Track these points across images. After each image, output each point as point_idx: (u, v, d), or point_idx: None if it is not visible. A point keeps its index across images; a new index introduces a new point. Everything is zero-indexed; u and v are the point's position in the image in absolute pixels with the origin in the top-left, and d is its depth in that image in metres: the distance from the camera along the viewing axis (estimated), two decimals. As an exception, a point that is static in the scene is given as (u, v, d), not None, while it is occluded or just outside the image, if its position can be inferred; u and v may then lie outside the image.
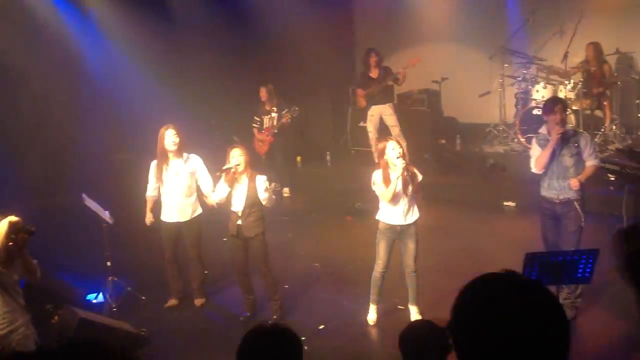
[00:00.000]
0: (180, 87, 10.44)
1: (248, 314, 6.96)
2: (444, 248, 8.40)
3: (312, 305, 7.21)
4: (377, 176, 6.33)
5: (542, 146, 6.36)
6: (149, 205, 7.36)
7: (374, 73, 11.03)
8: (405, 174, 6.24)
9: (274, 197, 6.84)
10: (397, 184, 6.24)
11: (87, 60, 10.59)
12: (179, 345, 6.59)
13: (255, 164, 7.14)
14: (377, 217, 6.51)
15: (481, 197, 10.00)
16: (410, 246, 6.46)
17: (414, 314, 6.55)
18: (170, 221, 7.21)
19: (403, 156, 6.23)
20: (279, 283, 7.10)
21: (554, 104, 6.39)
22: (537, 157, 6.43)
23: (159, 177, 7.14)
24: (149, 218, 7.36)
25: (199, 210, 7.26)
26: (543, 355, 1.60)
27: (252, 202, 6.61)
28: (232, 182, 6.58)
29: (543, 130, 6.47)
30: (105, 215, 7.22)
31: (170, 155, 7.05)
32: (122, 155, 10.42)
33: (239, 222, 6.67)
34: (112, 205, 7.42)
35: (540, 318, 1.62)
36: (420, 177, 6.40)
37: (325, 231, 9.23)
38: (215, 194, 6.69)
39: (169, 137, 6.97)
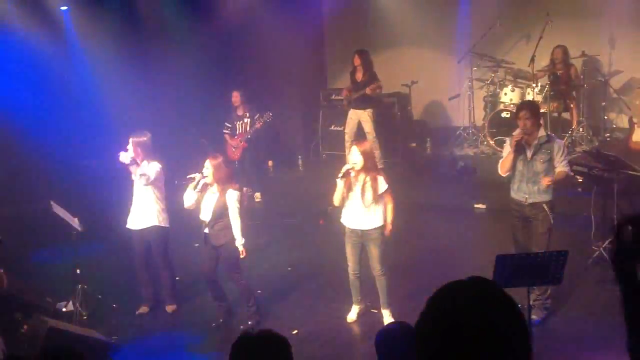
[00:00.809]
0: (149, 92, 10.35)
1: (220, 320, 6.93)
2: (415, 250, 8.45)
3: (285, 310, 7.20)
4: (339, 180, 6.32)
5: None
6: None
7: (358, 76, 11.02)
8: (365, 180, 6.22)
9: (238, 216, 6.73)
10: (344, 188, 6.22)
11: (55, 66, 10.45)
12: (150, 353, 6.53)
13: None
14: (341, 220, 6.55)
15: (452, 199, 10.06)
16: (374, 251, 6.45)
17: (387, 317, 6.57)
18: (134, 228, 7.19)
19: (365, 164, 6.19)
20: (252, 289, 7.07)
21: (519, 110, 6.47)
22: (501, 161, 6.54)
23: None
24: None
25: (162, 217, 7.18)
26: None
27: (220, 213, 6.61)
28: (201, 191, 6.58)
29: (515, 132, 6.51)
30: (75, 222, 7.14)
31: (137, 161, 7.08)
32: (92, 162, 10.29)
33: (206, 230, 6.67)
34: (81, 213, 7.34)
35: (501, 328, 1.63)
36: (383, 186, 6.33)
37: (298, 235, 9.20)
38: (185, 200, 6.69)
39: (129, 147, 7.05)
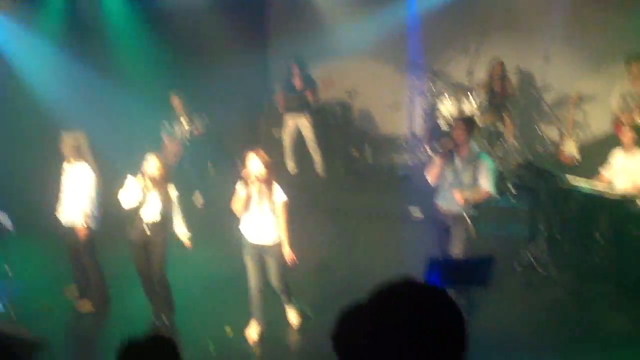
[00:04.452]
0: (88, 91, 10.16)
1: (157, 322, 6.89)
2: (350, 257, 8.55)
3: (220, 311, 7.19)
4: (238, 186, 6.19)
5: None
6: None
7: (297, 83, 11.12)
8: (262, 190, 6.11)
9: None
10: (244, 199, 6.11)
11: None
12: (80, 352, 6.44)
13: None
14: (241, 230, 6.36)
15: (390, 206, 10.22)
16: (273, 265, 6.30)
17: (292, 316, 6.71)
18: (64, 223, 7.12)
19: (266, 173, 6.06)
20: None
21: (456, 121, 6.81)
22: (429, 168, 6.75)
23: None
24: None
25: (89, 218, 7.07)
26: (441, 356, 1.65)
27: (165, 211, 6.62)
28: (149, 189, 6.52)
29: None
30: (7, 221, 6.99)
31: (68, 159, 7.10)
32: (26, 160, 10.04)
33: (147, 229, 6.64)
34: (12, 211, 7.20)
35: (440, 322, 1.66)
36: (281, 197, 6.19)
37: (234, 238, 9.18)
38: (127, 199, 6.56)
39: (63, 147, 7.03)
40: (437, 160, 6.62)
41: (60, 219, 7.14)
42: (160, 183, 6.56)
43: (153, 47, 11.00)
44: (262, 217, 6.17)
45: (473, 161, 6.49)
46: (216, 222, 8.77)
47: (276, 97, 11.72)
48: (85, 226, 6.99)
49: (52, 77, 9.90)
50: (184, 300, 7.20)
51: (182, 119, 10.58)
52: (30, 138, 9.90)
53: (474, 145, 6.59)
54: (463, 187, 6.46)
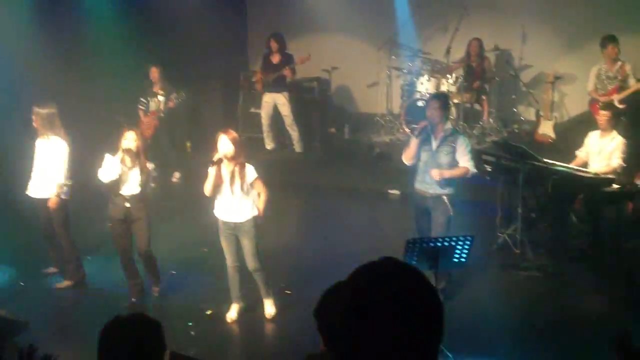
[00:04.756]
0: (62, 65, 10.00)
1: (134, 299, 6.89)
2: (327, 235, 8.59)
3: (199, 290, 7.22)
4: (210, 169, 6.15)
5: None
6: None
7: (275, 58, 11.06)
8: (234, 170, 6.10)
9: (153, 185, 6.87)
10: (215, 178, 6.12)
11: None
12: (59, 332, 6.43)
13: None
14: (214, 211, 6.37)
15: (367, 185, 10.28)
16: (247, 244, 6.30)
17: (269, 307, 6.61)
18: (35, 196, 7.13)
19: (235, 153, 6.03)
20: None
21: (430, 99, 6.73)
22: (406, 149, 6.74)
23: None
24: None
25: (62, 189, 7.07)
26: (419, 338, 1.67)
27: (144, 187, 6.64)
28: (128, 165, 6.51)
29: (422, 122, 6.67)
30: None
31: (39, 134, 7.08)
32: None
33: (127, 204, 6.63)
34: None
35: (417, 303, 1.68)
36: (252, 175, 6.19)
37: (209, 213, 9.20)
38: (106, 174, 6.50)
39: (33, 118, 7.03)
40: (412, 142, 6.61)
41: (31, 194, 7.12)
42: (138, 156, 6.57)
43: (130, 20, 10.83)
44: (234, 196, 6.16)
45: (448, 140, 6.50)
46: (196, 202, 8.74)
47: (254, 73, 11.67)
48: (59, 197, 6.98)
49: (25, 49, 9.71)
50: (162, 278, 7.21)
51: (159, 91, 10.49)
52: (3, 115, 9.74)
53: (448, 124, 6.59)
54: (440, 167, 6.48)
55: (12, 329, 5.91)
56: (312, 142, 11.71)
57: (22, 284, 7.17)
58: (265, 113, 11.30)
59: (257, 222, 6.32)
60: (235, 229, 6.30)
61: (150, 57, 10.61)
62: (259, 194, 6.31)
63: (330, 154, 11.55)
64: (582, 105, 10.42)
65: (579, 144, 8.05)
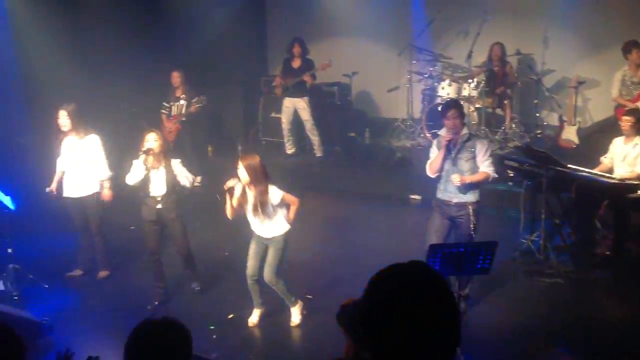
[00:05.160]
0: (87, 70, 10.10)
1: (156, 303, 6.93)
2: (348, 240, 8.59)
3: (221, 294, 7.24)
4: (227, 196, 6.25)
5: (440, 149, 6.45)
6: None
7: (295, 63, 11.07)
8: (255, 195, 6.11)
9: (191, 177, 7.02)
10: (232, 202, 6.20)
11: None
12: (82, 334, 6.46)
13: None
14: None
15: (388, 190, 10.25)
16: (271, 254, 6.31)
17: (295, 315, 6.57)
18: (73, 196, 7.40)
19: (251, 179, 6.04)
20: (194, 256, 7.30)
21: (447, 109, 6.41)
22: (430, 162, 6.56)
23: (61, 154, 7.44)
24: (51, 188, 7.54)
25: (95, 188, 7.43)
26: (437, 345, 1.71)
27: (172, 186, 6.77)
28: (151, 165, 6.64)
29: (442, 132, 6.56)
30: (6, 200, 6.99)
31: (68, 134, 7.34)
32: (25, 139, 10.02)
33: (159, 206, 6.78)
34: (14, 191, 7.20)
35: (439, 310, 1.73)
36: (277, 196, 6.14)
37: (235, 221, 9.21)
38: (131, 177, 6.67)
39: (60, 119, 7.26)
40: (437, 155, 6.45)
41: (69, 194, 7.38)
42: (162, 157, 6.71)
43: (152, 25, 10.92)
44: (260, 217, 6.19)
45: (467, 145, 6.39)
46: (217, 207, 8.77)
47: (273, 78, 11.69)
48: (97, 192, 7.37)
49: (49, 53, 9.82)
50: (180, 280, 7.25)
51: (181, 95, 10.55)
52: (25, 116, 9.87)
53: (465, 129, 6.47)
54: (462, 174, 6.36)
55: (36, 331, 5.96)
56: (332, 146, 11.71)
57: (45, 286, 7.21)
58: (285, 118, 11.31)
59: (286, 239, 6.33)
60: (266, 241, 6.36)
61: (172, 61, 10.68)
62: (289, 208, 6.32)
63: (351, 158, 11.54)
64: (606, 111, 10.31)
65: (602, 149, 7.97)
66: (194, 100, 10.43)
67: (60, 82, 9.31)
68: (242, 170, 6.07)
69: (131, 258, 8.06)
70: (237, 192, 6.19)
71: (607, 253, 7.53)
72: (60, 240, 8.08)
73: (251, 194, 6.14)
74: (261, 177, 6.09)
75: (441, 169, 6.48)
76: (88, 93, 9.32)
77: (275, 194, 6.14)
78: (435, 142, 6.68)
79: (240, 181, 6.11)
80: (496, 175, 6.55)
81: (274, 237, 6.28)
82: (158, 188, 6.76)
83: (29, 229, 7.97)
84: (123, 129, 10.11)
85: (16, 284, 7.07)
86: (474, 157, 6.38)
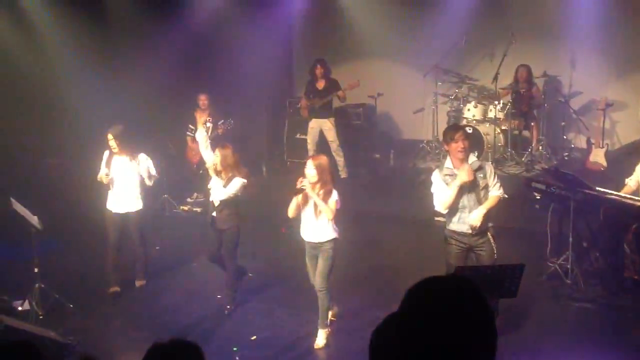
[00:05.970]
0: (116, 92, 10.27)
1: (230, 306, 7.15)
2: (374, 261, 8.53)
3: (244, 315, 7.22)
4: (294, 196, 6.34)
5: (448, 181, 6.10)
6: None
7: (319, 84, 11.14)
8: (318, 194, 6.17)
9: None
10: (299, 201, 6.27)
11: (19, 62, 10.32)
12: (106, 356, 6.47)
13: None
14: (300, 233, 6.51)
15: (413, 212, 10.18)
16: (321, 263, 6.36)
17: (321, 338, 6.48)
18: (116, 211, 7.59)
19: (320, 178, 6.14)
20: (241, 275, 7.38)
21: (454, 131, 6.08)
22: (443, 196, 6.12)
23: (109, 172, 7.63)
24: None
25: (142, 200, 7.71)
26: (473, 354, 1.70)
27: (228, 199, 6.97)
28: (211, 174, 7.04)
29: (447, 163, 6.20)
30: (34, 220, 7.06)
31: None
32: (54, 160, 10.17)
33: (214, 213, 7.01)
34: (41, 211, 7.28)
35: (481, 326, 1.73)
36: (332, 201, 6.19)
37: (259, 242, 9.20)
38: (206, 154, 7.20)
39: (109, 141, 7.49)
40: (452, 191, 6.05)
41: (113, 209, 7.58)
42: (226, 172, 7.00)
43: (179, 48, 11.06)
44: (317, 219, 6.27)
45: (476, 172, 6.11)
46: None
47: (299, 100, 11.75)
48: (140, 207, 7.65)
49: (81, 76, 10.00)
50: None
51: (207, 118, 10.61)
52: (57, 138, 10.01)
53: (473, 157, 6.25)
54: (478, 202, 6.10)
55: (61, 352, 5.98)
56: (357, 168, 11.70)
57: (71, 305, 7.24)
58: (311, 139, 11.34)
59: (335, 248, 6.38)
60: (315, 249, 6.40)
61: (201, 84, 10.79)
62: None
63: (376, 180, 11.51)
64: (635, 133, 10.22)
65: (631, 172, 7.85)
66: (220, 122, 10.49)
67: (89, 106, 9.47)
68: (310, 169, 6.17)
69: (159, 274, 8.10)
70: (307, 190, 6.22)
71: (636, 277, 7.40)
72: (86, 261, 8.12)
73: (314, 194, 6.19)
74: (328, 178, 6.25)
75: (459, 199, 6.16)
76: (116, 118, 9.47)
77: (335, 198, 6.24)
78: (437, 174, 6.24)
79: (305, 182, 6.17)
80: (506, 196, 6.41)
81: (322, 243, 6.33)
82: (215, 195, 7.04)
83: (56, 249, 8.04)
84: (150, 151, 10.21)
85: (41, 303, 7.10)
86: (486, 184, 6.16)
